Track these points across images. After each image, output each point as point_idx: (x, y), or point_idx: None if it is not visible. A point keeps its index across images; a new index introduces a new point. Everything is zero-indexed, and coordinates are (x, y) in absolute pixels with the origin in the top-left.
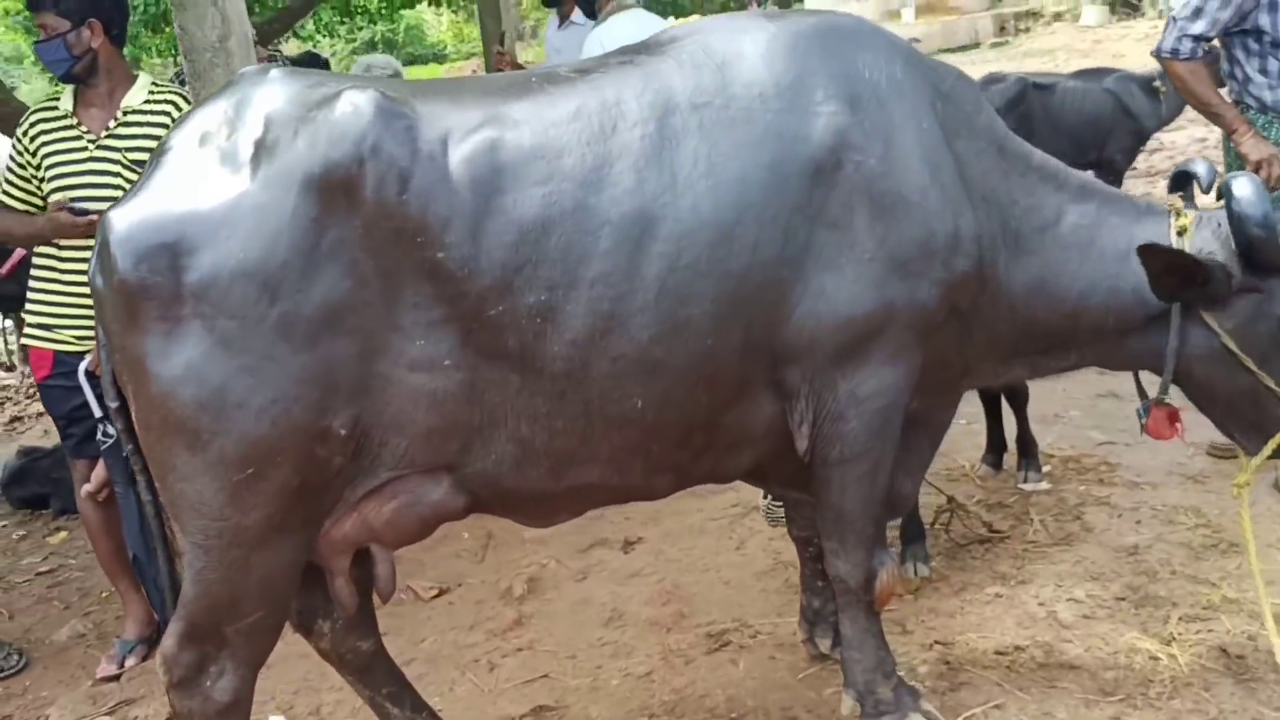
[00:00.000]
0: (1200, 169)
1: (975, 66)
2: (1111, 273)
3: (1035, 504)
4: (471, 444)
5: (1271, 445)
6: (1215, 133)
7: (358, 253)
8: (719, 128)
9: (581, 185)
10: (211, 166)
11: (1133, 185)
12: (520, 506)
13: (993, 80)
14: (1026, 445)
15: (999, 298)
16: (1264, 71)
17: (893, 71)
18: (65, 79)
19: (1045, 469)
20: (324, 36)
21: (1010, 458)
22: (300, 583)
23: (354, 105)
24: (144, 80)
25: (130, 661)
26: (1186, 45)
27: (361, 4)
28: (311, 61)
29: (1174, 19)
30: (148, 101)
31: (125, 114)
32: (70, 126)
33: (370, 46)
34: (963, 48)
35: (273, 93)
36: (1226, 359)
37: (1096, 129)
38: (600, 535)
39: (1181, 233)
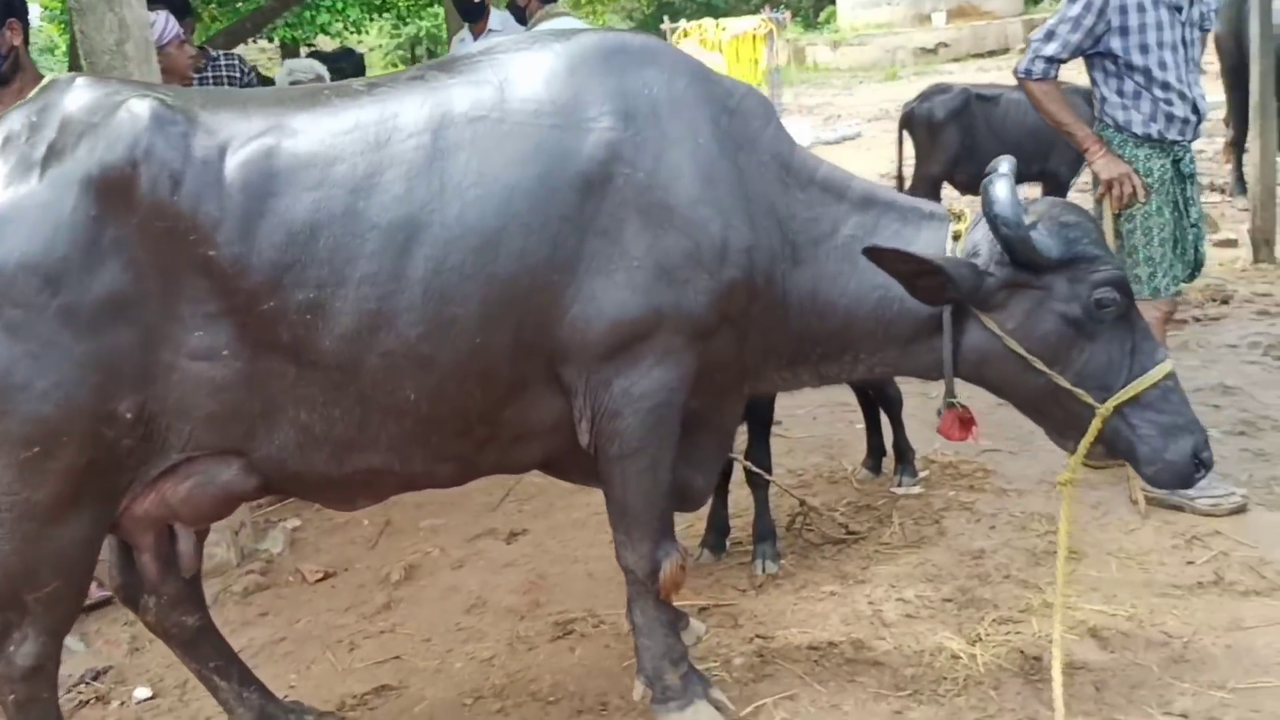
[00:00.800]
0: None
1: (1003, 73)
2: (880, 282)
3: (901, 508)
4: (255, 430)
5: (1085, 443)
6: (1214, 145)
7: (136, 249)
8: (492, 141)
9: (351, 191)
10: (8, 167)
11: (1083, 199)
12: (312, 489)
13: (938, 91)
14: (902, 451)
15: (775, 307)
16: (1119, 93)
17: (674, 88)
18: None
19: (922, 474)
20: (351, 33)
21: (891, 462)
22: (126, 559)
23: (131, 113)
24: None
25: None
26: (1039, 66)
27: (391, 1)
28: (346, 57)
29: (1031, 40)
30: None
31: None
32: None
33: (414, 42)
34: (991, 53)
35: (72, 99)
36: (1014, 360)
37: (1039, 141)
38: (489, 526)
39: (956, 237)
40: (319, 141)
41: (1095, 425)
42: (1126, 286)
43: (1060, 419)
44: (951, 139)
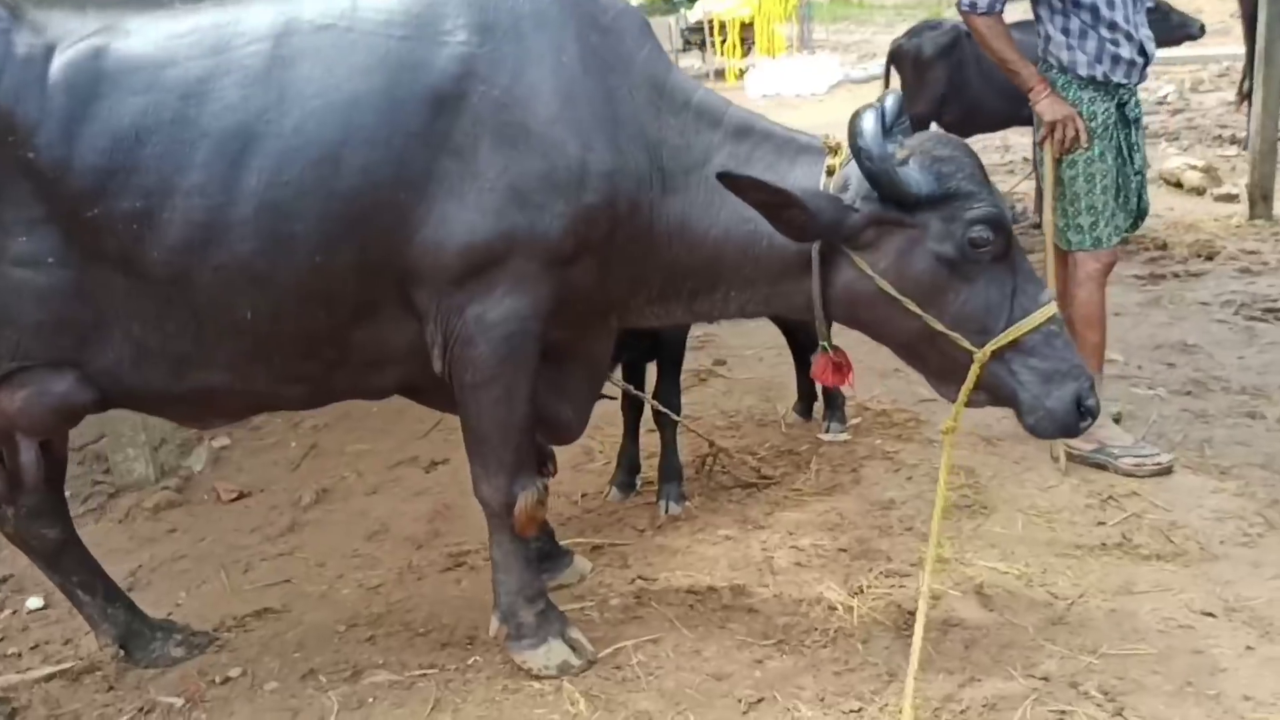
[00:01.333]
0: (888, 103)
1: None
2: (750, 215)
3: (823, 454)
4: (87, 341)
5: (965, 391)
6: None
7: None
8: (338, 51)
9: (182, 97)
10: None
11: None
12: (153, 405)
13: (928, 27)
14: (831, 396)
15: (641, 237)
16: (1065, 31)
17: (538, 3)
18: None
19: (854, 421)
20: None
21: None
22: None
23: None
24: None
25: None
26: (983, 0)
27: None
28: None
29: None
30: None
31: None
32: None
33: None
34: None
35: None
36: (887, 302)
37: None
38: (413, 453)
39: (830, 172)
40: (152, 44)
41: (974, 371)
42: (1002, 223)
43: (938, 364)
44: (939, 77)
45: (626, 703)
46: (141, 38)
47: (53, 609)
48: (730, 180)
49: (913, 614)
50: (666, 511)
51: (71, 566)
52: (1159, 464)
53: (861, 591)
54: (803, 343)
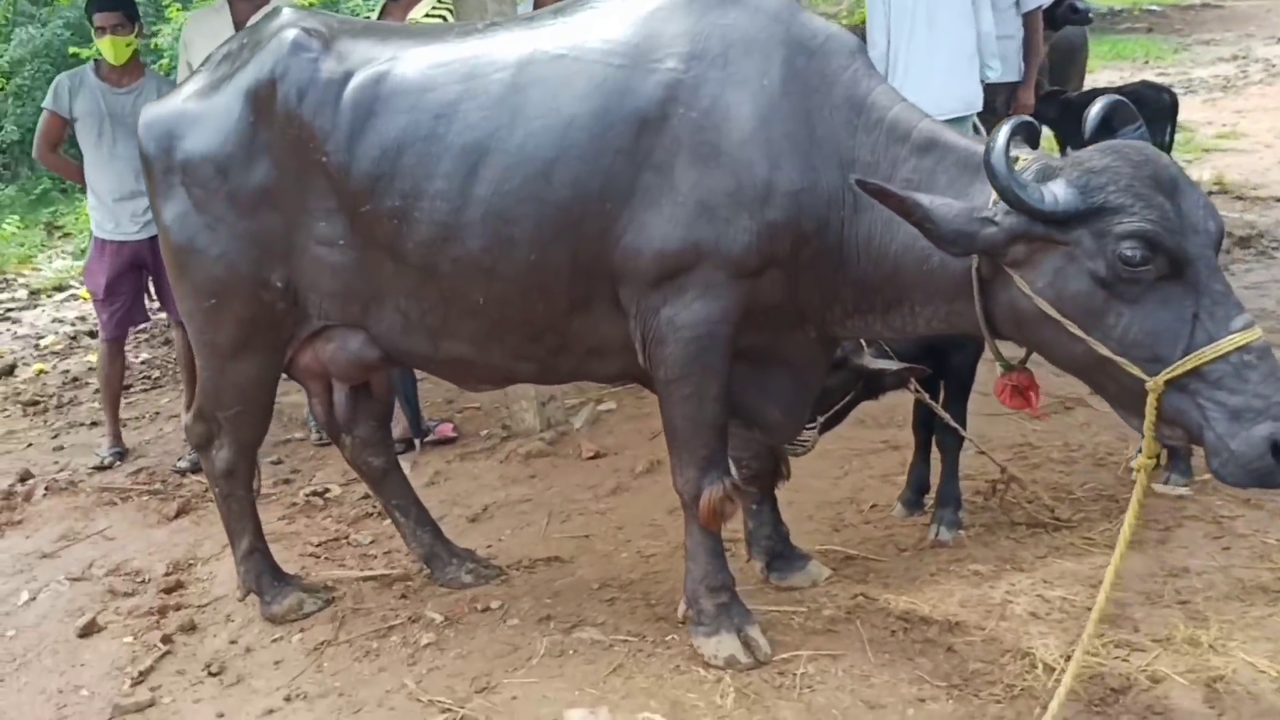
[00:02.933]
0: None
1: None
2: None
3: (1150, 505)
4: (369, 309)
5: (1148, 424)
6: None
7: (278, 151)
8: (564, 77)
9: (436, 116)
10: (215, 78)
11: None
12: (423, 366)
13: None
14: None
15: (830, 252)
16: None
17: (750, 29)
18: None
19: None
20: None
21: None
22: (329, 406)
23: (280, 40)
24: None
25: None
26: None
27: None
28: None
29: None
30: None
31: None
32: None
33: None
34: None
35: (270, 26)
36: (1050, 323)
37: None
38: None
39: None
40: (420, 71)
41: (1151, 402)
42: (1159, 240)
43: (1116, 392)
44: None
45: (771, 708)
46: (413, 66)
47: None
48: (864, 187)
49: (1119, 693)
50: (935, 536)
51: (391, 491)
52: None
53: (1073, 656)
54: None
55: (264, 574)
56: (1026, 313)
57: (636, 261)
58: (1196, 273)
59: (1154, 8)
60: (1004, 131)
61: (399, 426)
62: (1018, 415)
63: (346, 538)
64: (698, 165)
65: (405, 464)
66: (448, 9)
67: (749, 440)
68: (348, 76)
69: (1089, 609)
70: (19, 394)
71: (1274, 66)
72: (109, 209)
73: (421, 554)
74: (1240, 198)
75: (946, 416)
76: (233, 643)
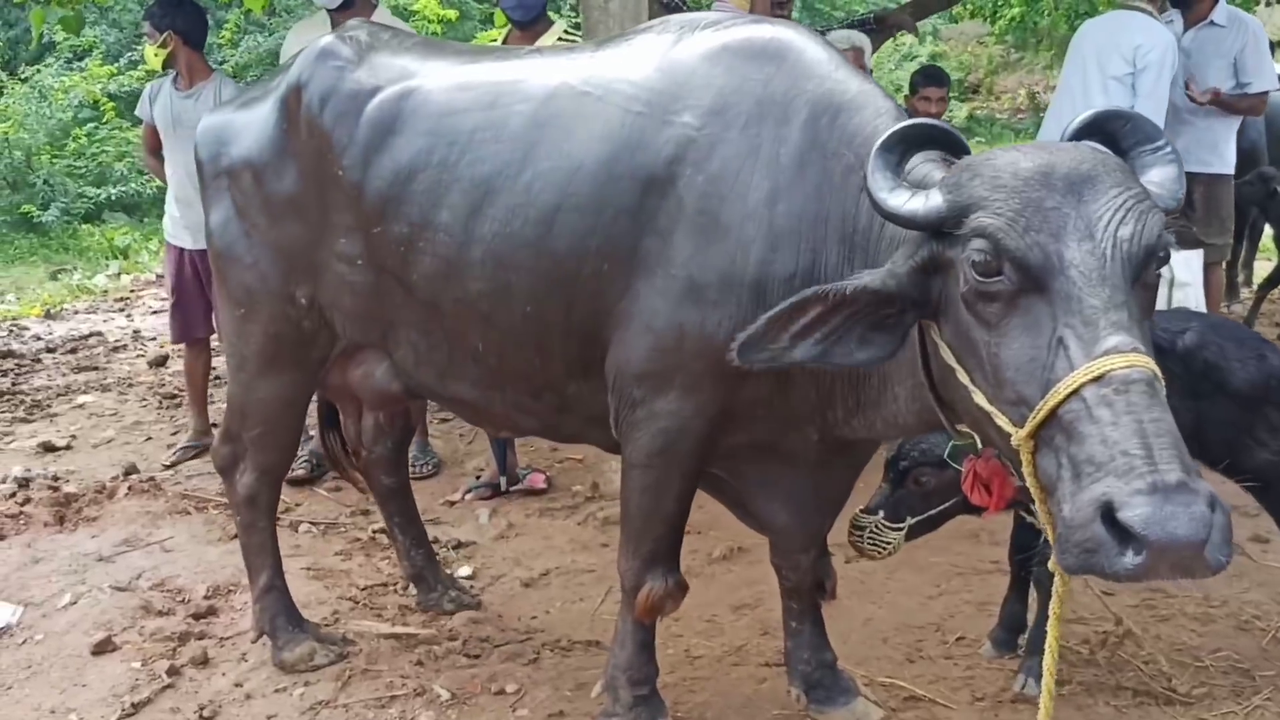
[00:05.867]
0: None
1: None
2: None
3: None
4: (387, 335)
5: (1035, 493)
6: None
7: (303, 159)
8: (582, 118)
9: (451, 144)
10: (267, 86)
11: None
12: (442, 403)
13: None
14: None
15: None
16: None
17: (780, 88)
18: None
19: None
20: None
21: None
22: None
23: (313, 47)
24: None
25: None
26: None
27: None
28: None
29: None
30: None
31: None
32: None
33: None
34: None
35: (318, 39)
36: (955, 377)
37: None
38: None
39: None
40: (446, 92)
41: (1025, 461)
42: (1003, 239)
43: (1011, 460)
44: None
45: None
46: (439, 87)
47: (476, 581)
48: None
49: None
50: (1020, 688)
51: (396, 507)
52: None
53: None
54: None
55: (279, 615)
56: (944, 369)
57: (623, 332)
58: (1068, 285)
59: None
60: (889, 134)
61: (489, 470)
62: None
63: (395, 585)
64: (695, 237)
65: (484, 511)
66: (577, 35)
67: (791, 552)
68: (375, 90)
69: None
70: (163, 386)
71: None
72: (170, 214)
73: (410, 573)
74: None
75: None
76: (237, 685)
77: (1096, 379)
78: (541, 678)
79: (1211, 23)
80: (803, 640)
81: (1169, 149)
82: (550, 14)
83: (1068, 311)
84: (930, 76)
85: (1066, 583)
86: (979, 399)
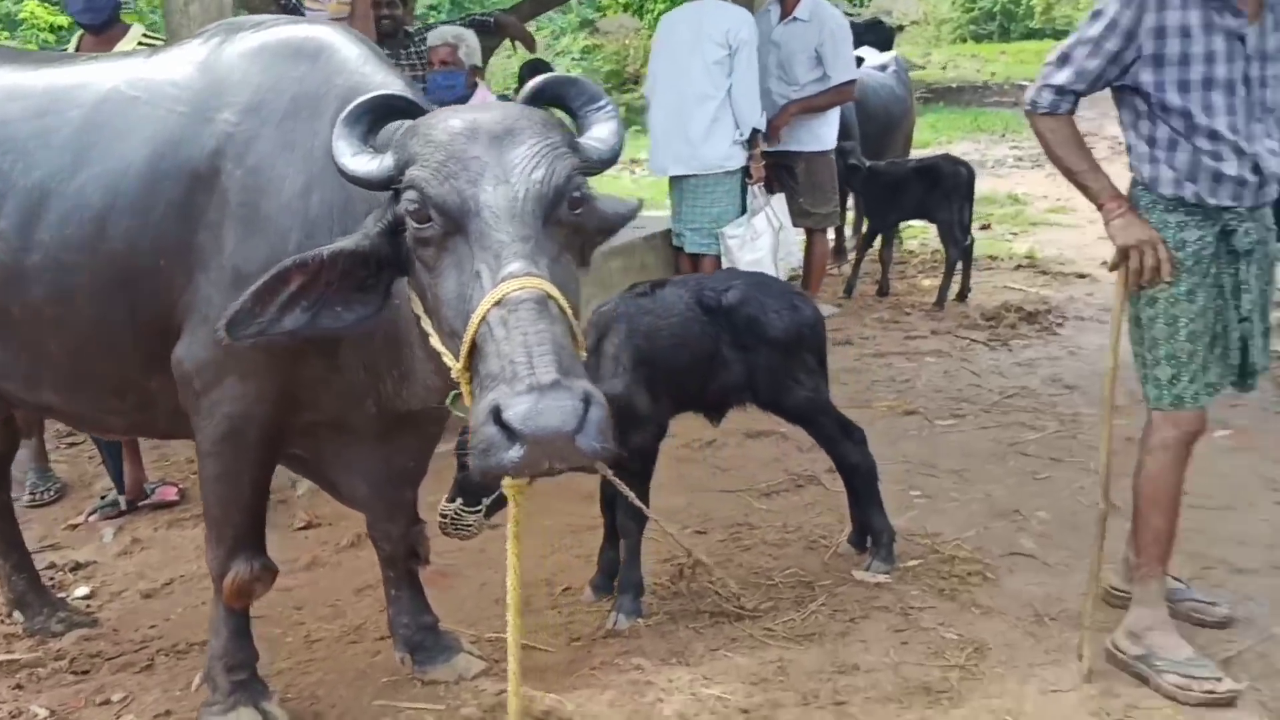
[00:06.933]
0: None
1: None
2: None
3: (839, 594)
4: None
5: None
6: None
7: None
8: (134, 120)
9: (4, 154)
10: None
11: None
12: (34, 410)
13: None
14: (877, 531)
15: None
16: (1150, 141)
17: (313, 84)
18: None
19: (913, 562)
20: None
21: None
22: None
23: None
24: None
25: None
26: (1046, 98)
27: None
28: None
29: (1044, 64)
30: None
31: None
32: None
33: None
34: None
35: None
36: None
37: None
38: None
39: None
40: None
41: (466, 394)
42: (426, 186)
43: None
44: None
45: None
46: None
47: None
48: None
49: None
50: (611, 625)
51: None
52: (1212, 692)
53: None
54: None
55: None
56: (415, 320)
57: (185, 326)
58: (481, 224)
59: (1024, 83)
60: (353, 105)
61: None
62: (742, 492)
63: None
64: (238, 228)
65: (109, 530)
66: (158, 38)
67: (380, 523)
68: None
69: (743, 711)
70: None
71: (1120, 144)
72: None
73: (12, 599)
74: (1044, 272)
75: (630, 495)
76: None
77: (497, 303)
78: (152, 683)
79: (795, 18)
80: (402, 606)
81: (609, 107)
82: (128, 17)
83: (483, 248)
84: (536, 69)
85: (521, 490)
86: (434, 341)
